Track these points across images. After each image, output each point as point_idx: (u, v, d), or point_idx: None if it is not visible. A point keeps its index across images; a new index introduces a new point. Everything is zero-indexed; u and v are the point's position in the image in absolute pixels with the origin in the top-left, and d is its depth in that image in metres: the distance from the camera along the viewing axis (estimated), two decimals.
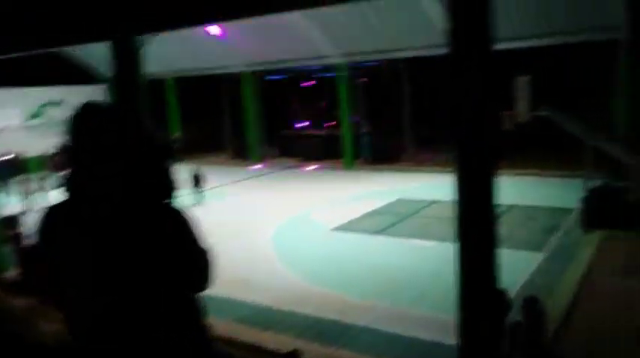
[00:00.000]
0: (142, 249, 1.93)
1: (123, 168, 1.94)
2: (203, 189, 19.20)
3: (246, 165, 27.92)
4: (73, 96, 24.58)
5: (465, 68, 5.95)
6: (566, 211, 14.69)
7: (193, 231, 2.09)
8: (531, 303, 6.55)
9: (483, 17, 5.82)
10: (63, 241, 1.94)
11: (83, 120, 1.95)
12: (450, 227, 6.11)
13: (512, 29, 20.17)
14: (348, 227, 14.92)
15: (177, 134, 31.76)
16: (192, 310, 2.16)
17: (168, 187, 2.15)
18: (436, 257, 11.56)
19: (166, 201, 2.11)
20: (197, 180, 19.07)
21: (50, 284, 2.04)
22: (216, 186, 21.63)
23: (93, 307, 1.93)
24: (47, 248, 1.99)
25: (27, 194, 17.62)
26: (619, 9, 18.17)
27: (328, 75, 28.39)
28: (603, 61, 20.10)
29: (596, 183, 13.94)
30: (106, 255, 1.89)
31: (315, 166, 26.33)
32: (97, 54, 26.82)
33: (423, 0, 19.83)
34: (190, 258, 2.09)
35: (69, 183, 1.95)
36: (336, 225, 15.07)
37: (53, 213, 2.02)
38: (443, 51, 6.03)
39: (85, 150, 1.92)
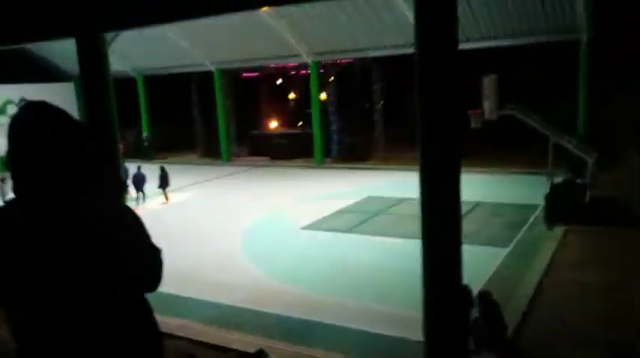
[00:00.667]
0: (97, 250, 1.92)
1: (65, 170, 1.92)
2: (169, 188, 18.98)
3: (216, 164, 27.74)
4: (38, 94, 24.05)
5: (430, 66, 6.05)
6: (530, 207, 15.03)
7: (145, 230, 2.10)
8: (484, 297, 6.73)
9: (449, 17, 5.92)
10: (10, 248, 1.89)
11: (19, 123, 1.92)
12: (418, 224, 6.22)
13: (479, 30, 20.56)
14: (317, 225, 14.97)
15: (146, 133, 31.37)
16: (142, 309, 2.17)
17: (116, 186, 2.15)
18: (404, 254, 11.67)
19: (116, 200, 2.11)
20: (164, 179, 18.83)
21: None
22: (185, 186, 21.46)
23: (48, 311, 1.91)
24: None
25: None
26: (581, 10, 18.70)
27: (300, 73, 28.42)
28: (567, 61, 20.63)
29: (559, 179, 14.34)
30: (62, 258, 1.88)
31: (285, 165, 26.30)
32: (61, 51, 26.33)
33: (393, 0, 20.03)
34: (144, 257, 2.10)
35: (15, 188, 1.93)
36: (305, 223, 15.10)
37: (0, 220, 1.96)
38: (412, 50, 6.11)
39: (20, 153, 1.90)
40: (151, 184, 18.75)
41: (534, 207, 14.83)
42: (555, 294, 9.18)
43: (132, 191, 18.21)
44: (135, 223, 2.07)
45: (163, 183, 18.79)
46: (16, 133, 1.93)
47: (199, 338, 8.17)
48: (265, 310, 9.37)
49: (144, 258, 2.09)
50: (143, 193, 18.45)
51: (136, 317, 2.11)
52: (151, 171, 19.12)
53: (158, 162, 24.32)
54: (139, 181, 18.46)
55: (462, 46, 6.10)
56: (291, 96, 31.94)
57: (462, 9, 18.03)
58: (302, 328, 8.69)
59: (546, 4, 18.94)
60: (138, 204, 18.10)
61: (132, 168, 18.70)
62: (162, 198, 18.71)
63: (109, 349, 2.00)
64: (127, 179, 17.91)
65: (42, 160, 1.89)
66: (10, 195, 2.02)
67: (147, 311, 2.17)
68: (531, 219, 14.17)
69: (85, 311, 1.93)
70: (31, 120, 1.94)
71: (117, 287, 1.99)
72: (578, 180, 14.34)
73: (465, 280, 6.32)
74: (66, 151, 1.93)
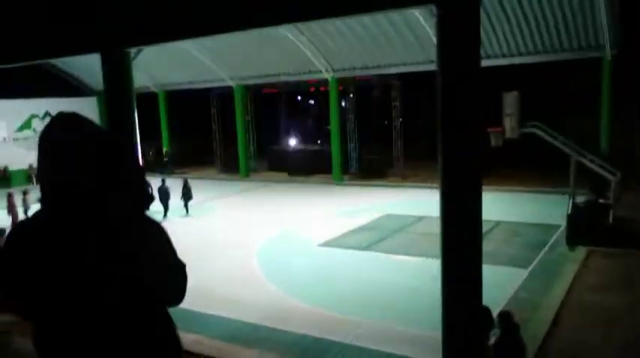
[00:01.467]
0: (125, 261, 1.90)
1: (97, 178, 1.92)
2: (191, 202, 19.12)
3: (235, 179, 27.87)
4: (62, 109, 24.46)
5: (451, 83, 6.01)
6: (551, 227, 14.78)
7: (171, 244, 2.09)
8: (505, 318, 6.58)
9: (472, 34, 5.88)
10: (37, 256, 1.90)
11: (50, 132, 1.94)
12: (436, 243, 6.13)
13: (500, 47, 20.47)
14: (335, 243, 14.89)
15: (166, 148, 31.71)
16: (166, 323, 2.14)
17: (145, 197, 2.14)
18: (422, 273, 11.55)
19: (142, 212, 2.10)
20: (185, 194, 18.99)
21: (18, 298, 1.97)
22: (204, 200, 21.56)
23: (69, 321, 1.90)
24: (16, 266, 1.92)
25: (11, 208, 17.35)
26: (605, 28, 18.53)
27: (320, 89, 28.53)
28: (590, 79, 20.41)
29: (582, 199, 14.08)
30: (89, 267, 1.87)
31: (303, 181, 26.31)
32: (85, 67, 26.83)
33: (414, 16, 20.08)
34: (169, 271, 2.08)
35: (43, 198, 1.94)
36: (323, 240, 15.03)
37: (24, 230, 1.99)
38: (433, 67, 6.09)
39: (50, 162, 1.91)
40: (174, 197, 18.90)
41: (556, 227, 14.58)
42: (576, 318, 8.96)
43: (156, 204, 18.34)
44: (160, 236, 2.07)
45: (186, 196, 18.96)
46: (51, 142, 1.95)
47: (214, 355, 8.12)
48: (281, 328, 9.29)
49: (167, 272, 2.08)
50: (167, 206, 18.62)
51: (160, 331, 2.10)
52: (172, 185, 19.30)
53: (177, 176, 24.50)
54: (164, 195, 18.62)
55: (483, 62, 6.05)
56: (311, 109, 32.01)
57: (483, 26, 18.02)
58: (318, 348, 8.58)
59: (569, 22, 18.81)
60: (162, 217, 18.23)
61: (154, 182, 18.87)
62: (183, 212, 18.84)
63: None
64: (152, 192, 18.00)
65: (74, 167, 1.91)
66: (33, 208, 2.03)
67: (170, 326, 2.15)
68: (552, 240, 13.92)
69: (108, 322, 1.92)
70: (65, 128, 1.97)
71: (140, 300, 1.97)
72: (601, 201, 14.07)
73: (484, 301, 6.19)
74: (97, 159, 1.94)
